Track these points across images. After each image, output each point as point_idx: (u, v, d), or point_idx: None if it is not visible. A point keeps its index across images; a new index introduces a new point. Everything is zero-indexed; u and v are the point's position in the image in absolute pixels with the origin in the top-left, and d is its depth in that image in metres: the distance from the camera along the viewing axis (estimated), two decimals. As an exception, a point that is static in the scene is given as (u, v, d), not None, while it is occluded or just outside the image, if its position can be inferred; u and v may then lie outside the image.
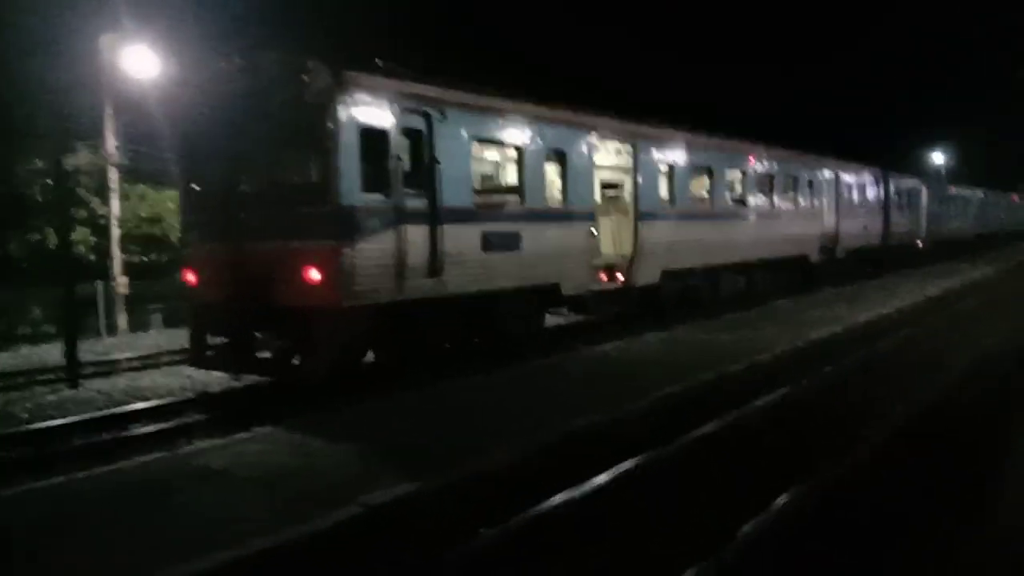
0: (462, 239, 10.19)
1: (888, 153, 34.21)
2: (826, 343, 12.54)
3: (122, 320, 20.17)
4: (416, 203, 9.54)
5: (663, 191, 14.77)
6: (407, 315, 9.66)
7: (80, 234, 24.28)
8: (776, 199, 18.74)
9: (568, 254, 12.07)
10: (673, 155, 14.79)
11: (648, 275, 14.10)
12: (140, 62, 19.09)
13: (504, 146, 11.15)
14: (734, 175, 17.59)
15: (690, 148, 15.32)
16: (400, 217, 9.28)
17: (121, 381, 11.92)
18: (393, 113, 9.17)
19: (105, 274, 21.65)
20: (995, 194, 47.87)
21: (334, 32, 22.03)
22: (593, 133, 12.60)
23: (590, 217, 12.61)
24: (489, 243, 10.59)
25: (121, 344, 16.75)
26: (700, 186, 16.57)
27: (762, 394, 8.88)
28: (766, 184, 18.65)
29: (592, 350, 11.73)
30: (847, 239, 22.78)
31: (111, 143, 20.81)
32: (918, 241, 30.39)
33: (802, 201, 20.10)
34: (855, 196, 23.89)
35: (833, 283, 21.52)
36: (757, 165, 17.84)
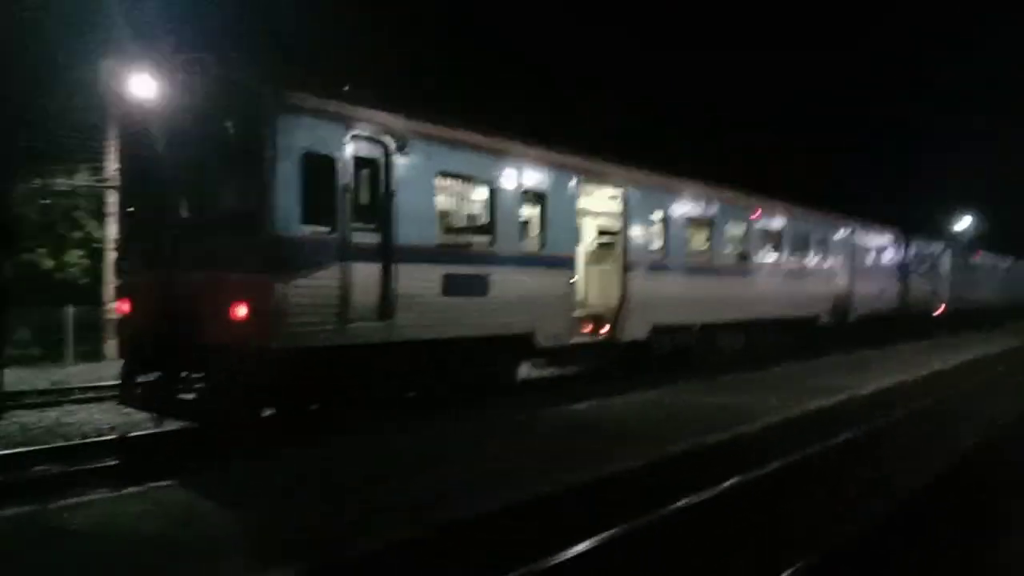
0: (420, 280, 9.37)
1: (912, 215, 33.10)
2: (825, 412, 11.46)
3: (110, 346, 19.53)
4: (368, 238, 8.76)
5: (657, 241, 13.91)
6: (351, 360, 8.80)
7: (71, 256, 24.00)
8: (784, 256, 17.77)
9: (544, 302, 11.19)
10: (670, 204, 13.95)
11: (637, 329, 13.16)
12: (141, 85, 18.81)
13: (474, 183, 10.38)
14: (737, 228, 16.69)
15: (689, 198, 14.48)
16: (347, 252, 8.48)
17: (53, 414, 11.12)
18: (343, 140, 8.45)
19: (99, 299, 21.23)
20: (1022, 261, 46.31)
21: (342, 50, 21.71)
22: (577, 176, 11.82)
23: (570, 265, 11.75)
24: (452, 286, 9.76)
25: (86, 372, 16.04)
26: (699, 238, 15.69)
27: (736, 472, 7.84)
28: (774, 240, 17.72)
29: (565, 408, 10.75)
30: (861, 302, 21.65)
31: (112, 166, 20.44)
32: (939, 309, 29.05)
33: (813, 260, 19.09)
34: (872, 258, 22.83)
35: (844, 348, 20.38)
36: (764, 219, 16.93)
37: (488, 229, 10.49)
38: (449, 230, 10.00)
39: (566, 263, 11.62)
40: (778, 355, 17.62)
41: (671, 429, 9.39)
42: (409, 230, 9.17)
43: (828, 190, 25.39)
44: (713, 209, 15.17)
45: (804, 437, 9.51)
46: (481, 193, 10.76)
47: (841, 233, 20.59)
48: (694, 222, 15.31)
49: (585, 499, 6.86)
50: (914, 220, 29.25)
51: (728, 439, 9.22)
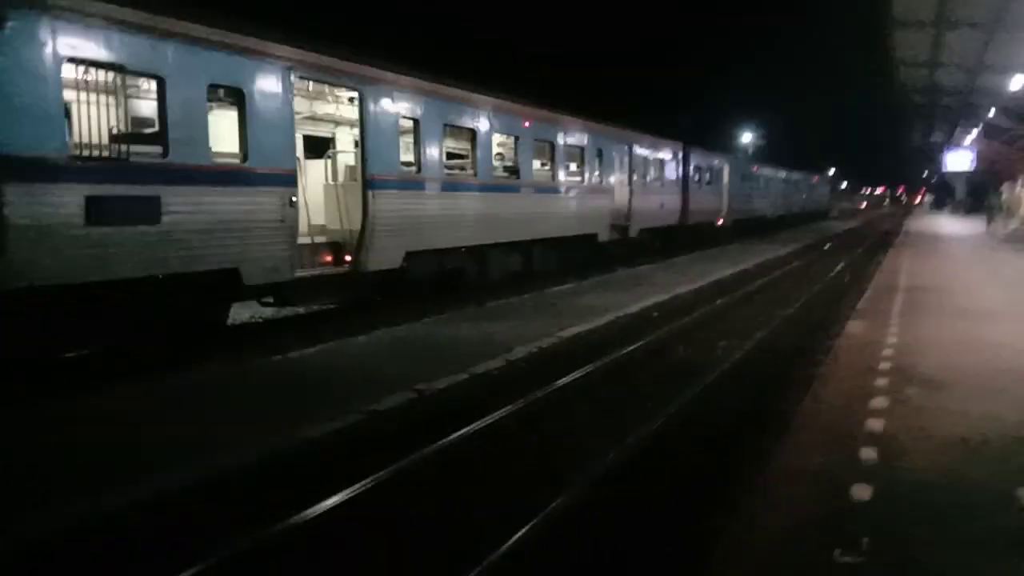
0: (45, 206, 6.91)
1: (693, 128, 33.65)
2: (582, 339, 10.39)
3: None
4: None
5: (406, 154, 12.05)
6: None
7: None
8: (560, 171, 16.60)
9: (250, 230, 9.04)
10: (423, 110, 12.07)
11: (387, 256, 11.37)
12: None
13: (131, 74, 7.86)
14: (507, 140, 15.23)
15: (447, 103, 12.66)
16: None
17: None
18: None
19: None
20: (798, 174, 49.62)
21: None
22: (291, 70, 9.58)
23: (287, 181, 9.62)
24: (101, 212, 7.36)
25: None
26: (460, 150, 14.06)
27: (454, 426, 6.36)
28: (548, 153, 16.47)
29: (293, 355, 8.81)
30: (641, 217, 21.27)
31: None
32: (719, 221, 29.89)
33: (589, 174, 18.13)
34: (651, 171, 22.46)
35: (627, 264, 19.95)
36: (537, 130, 15.55)
37: (158, 137, 8.09)
38: (96, 138, 7.49)
39: (280, 180, 9.47)
40: (561, 275, 16.69)
41: (400, 372, 7.78)
42: (15, 135, 6.65)
43: (610, 107, 24.60)
44: (477, 117, 13.49)
45: (547, 372, 8.26)
46: (144, 89, 8.30)
47: (619, 146, 19.81)
48: (454, 131, 13.59)
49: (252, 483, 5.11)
50: (696, 134, 29.55)
51: (463, 381, 7.76)
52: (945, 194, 79.51)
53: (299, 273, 9.91)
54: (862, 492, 4.52)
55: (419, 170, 12.07)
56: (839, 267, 22.13)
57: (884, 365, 7.78)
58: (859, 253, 27.99)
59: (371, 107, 10.98)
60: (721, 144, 40.07)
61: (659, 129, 24.17)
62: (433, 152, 12.33)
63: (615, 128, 19.77)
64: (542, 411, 7.14)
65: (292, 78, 9.64)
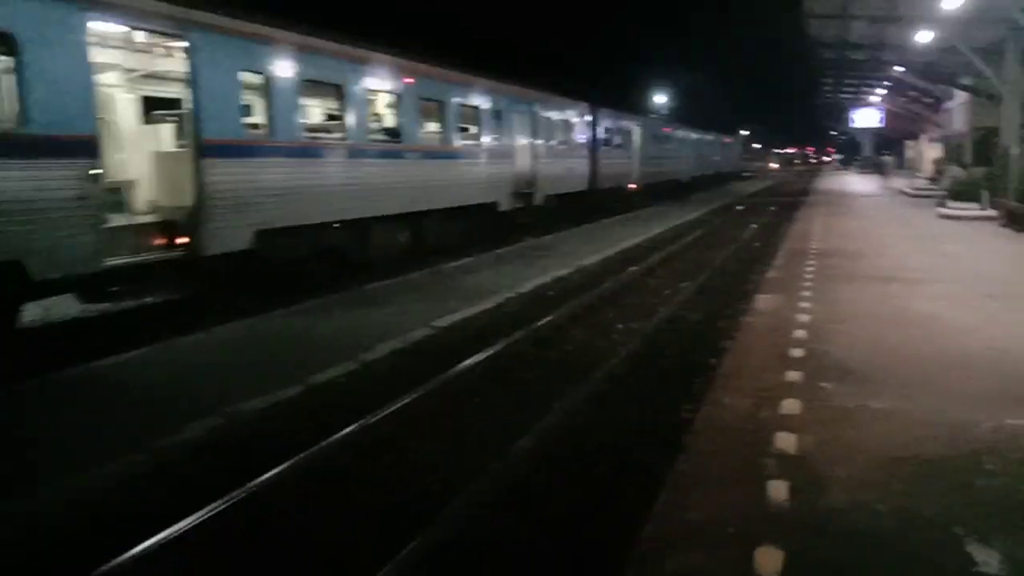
0: None
1: (605, 90, 32.45)
2: (464, 327, 9.01)
3: None
4: None
5: (254, 114, 10.30)
6: None
7: None
8: (451, 134, 15.02)
9: (35, 212, 7.23)
10: (272, 63, 10.29)
11: (232, 236, 9.65)
12: None
13: None
14: (382, 99, 13.55)
15: (304, 55, 10.90)
16: None
17: None
18: None
19: None
20: (711, 136, 49.22)
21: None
22: (81, 9, 7.69)
23: (87, 150, 7.79)
24: None
25: None
26: (329, 111, 12.36)
27: (259, 468, 4.88)
28: (435, 115, 14.87)
29: (81, 369, 7.08)
30: (547, 183, 19.91)
31: None
32: (631, 185, 28.88)
33: (487, 138, 16.62)
34: (557, 134, 21.08)
35: (535, 233, 18.65)
36: (422, 88, 13.90)
37: None
38: None
39: (75, 148, 7.63)
40: (463, 248, 15.24)
41: (219, 386, 6.24)
42: None
43: (518, 70, 23.06)
44: (345, 73, 11.75)
45: (409, 378, 6.84)
46: None
47: (520, 107, 18.32)
48: (317, 88, 11.84)
49: None
50: (607, 96, 28.31)
51: (295, 397, 6.26)
52: (852, 153, 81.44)
53: (111, 262, 8.12)
54: (769, 562, 3.28)
55: (271, 134, 10.32)
56: (751, 229, 21.42)
57: (796, 352, 6.65)
58: (771, 213, 27.52)
59: (204, 59, 9.15)
60: (634, 105, 39.05)
61: (568, 91, 22.77)
62: (289, 113, 10.58)
63: (516, 88, 18.26)
64: (386, 441, 5.69)
65: (87, 21, 7.76)
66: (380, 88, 12.88)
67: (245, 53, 9.83)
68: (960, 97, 30.65)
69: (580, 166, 22.99)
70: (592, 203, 24.01)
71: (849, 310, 8.42)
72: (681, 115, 51.27)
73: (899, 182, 37.48)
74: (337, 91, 11.78)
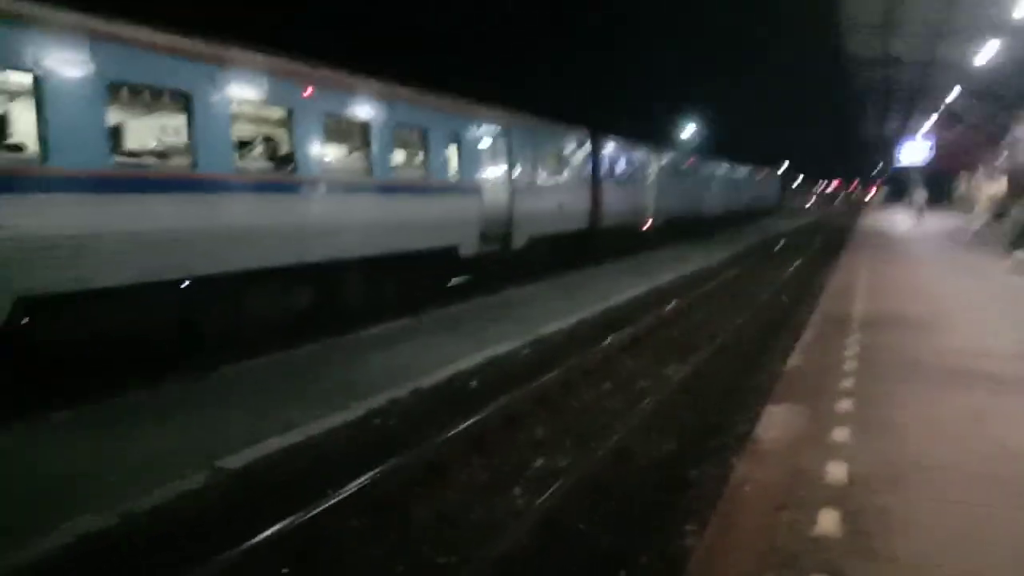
0: None
1: (637, 123, 29.05)
2: (282, 467, 5.57)
3: None
4: None
5: (12, 133, 7.09)
6: None
7: None
8: (376, 160, 11.64)
9: None
10: (51, 57, 7.12)
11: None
12: None
13: None
14: (266, 115, 10.34)
15: (112, 48, 7.69)
16: None
17: None
18: None
19: None
20: (743, 169, 45.19)
21: None
22: None
23: None
24: None
25: None
26: (163, 129, 9.14)
27: None
28: (351, 136, 11.61)
29: None
30: (530, 222, 16.45)
31: None
32: (644, 223, 25.27)
33: (440, 167, 13.29)
34: (545, 163, 17.66)
35: (516, 282, 15.28)
36: (328, 103, 10.63)
37: None
38: None
39: None
40: (408, 306, 11.97)
41: None
42: None
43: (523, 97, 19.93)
44: (195, 78, 8.53)
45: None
46: None
47: (489, 130, 14.99)
48: (139, 96, 8.63)
49: None
50: (636, 128, 24.85)
51: None
52: (900, 188, 76.48)
53: None
54: None
55: (44, 159, 7.07)
56: (778, 280, 17.67)
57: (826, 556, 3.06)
58: (807, 257, 23.67)
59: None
60: (666, 136, 35.50)
61: (559, 115, 19.42)
62: (84, 129, 7.35)
63: (483, 108, 14.96)
64: None
65: None
66: (259, 98, 9.64)
67: (33, 47, 6.66)
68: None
69: (577, 202, 19.52)
70: (594, 245, 20.52)
71: (914, 450, 4.78)
72: (713, 147, 47.48)
73: (937, 222, 33.16)
74: (182, 102, 8.52)
